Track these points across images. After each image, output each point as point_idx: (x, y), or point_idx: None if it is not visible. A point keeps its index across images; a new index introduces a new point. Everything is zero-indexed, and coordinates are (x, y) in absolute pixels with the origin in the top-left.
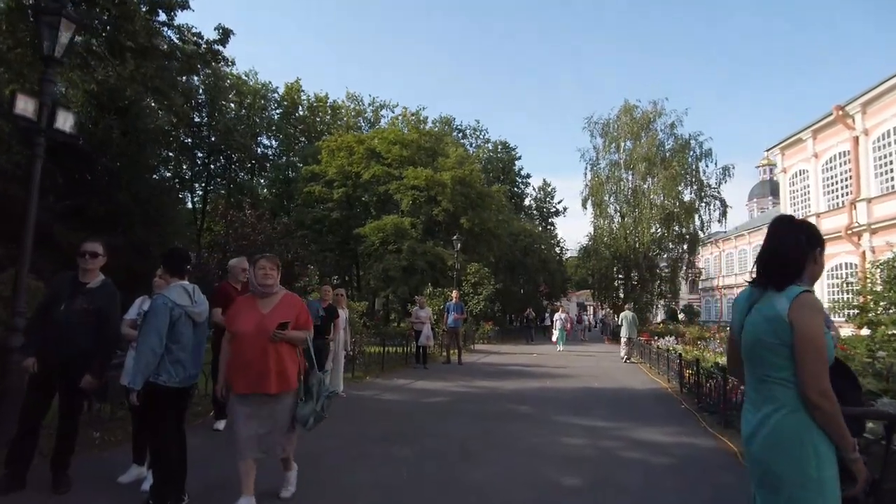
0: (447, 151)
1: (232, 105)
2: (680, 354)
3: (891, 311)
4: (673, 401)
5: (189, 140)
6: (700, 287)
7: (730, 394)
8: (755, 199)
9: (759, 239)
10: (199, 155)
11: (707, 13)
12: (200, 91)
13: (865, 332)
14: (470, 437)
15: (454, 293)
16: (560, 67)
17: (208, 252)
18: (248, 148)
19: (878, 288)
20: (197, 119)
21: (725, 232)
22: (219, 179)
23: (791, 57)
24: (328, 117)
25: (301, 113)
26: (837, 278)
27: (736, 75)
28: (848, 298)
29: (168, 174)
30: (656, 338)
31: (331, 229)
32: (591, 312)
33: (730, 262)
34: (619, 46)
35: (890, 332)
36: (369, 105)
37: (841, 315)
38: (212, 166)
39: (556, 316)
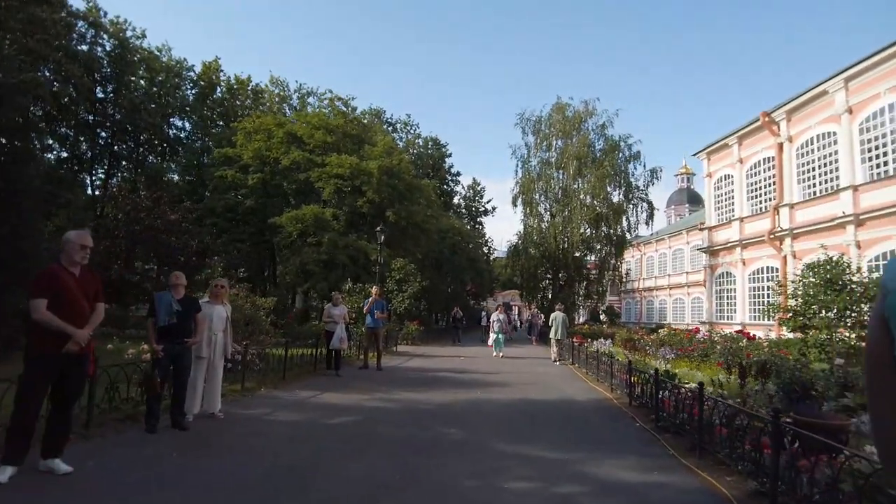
0: (375, 140)
1: (142, 82)
2: (630, 362)
3: (822, 314)
4: (623, 416)
5: (91, 117)
6: (621, 289)
7: (705, 414)
8: (673, 206)
9: (679, 243)
10: (103, 135)
11: (641, 21)
12: (105, 63)
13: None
14: (382, 485)
15: (375, 290)
16: (491, 68)
17: (96, 239)
18: (158, 128)
19: (810, 291)
20: (101, 94)
21: (652, 234)
22: (125, 162)
23: (715, 66)
24: (249, 101)
25: (219, 95)
26: (758, 281)
27: (661, 84)
28: (778, 302)
29: (65, 154)
30: (589, 340)
31: (244, 218)
32: (517, 312)
33: (650, 265)
34: (554, 55)
35: (823, 337)
36: (295, 91)
37: (772, 318)
38: (116, 147)
39: (494, 316)
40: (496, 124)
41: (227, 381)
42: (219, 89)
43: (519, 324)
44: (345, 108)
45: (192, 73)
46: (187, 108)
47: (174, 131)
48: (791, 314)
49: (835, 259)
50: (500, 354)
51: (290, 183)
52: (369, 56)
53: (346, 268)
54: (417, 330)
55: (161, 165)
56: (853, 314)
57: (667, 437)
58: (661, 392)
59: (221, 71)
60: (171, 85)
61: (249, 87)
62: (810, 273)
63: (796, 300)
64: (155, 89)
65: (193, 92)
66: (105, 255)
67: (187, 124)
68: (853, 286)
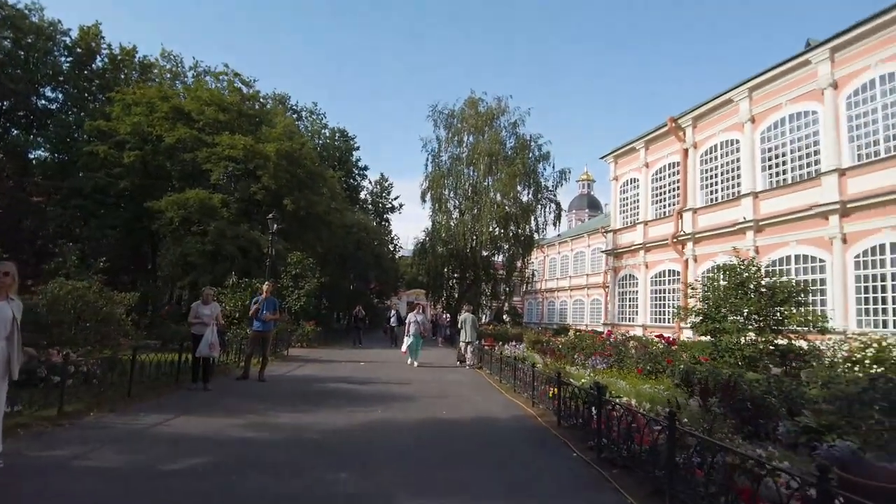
0: (274, 122)
1: (6, 43)
2: (559, 374)
3: (731, 317)
4: (554, 442)
5: None
6: (524, 290)
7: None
8: (574, 211)
9: (580, 246)
10: None
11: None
12: None
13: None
14: None
15: (266, 286)
16: (401, 65)
17: None
18: (23, 97)
19: (721, 294)
20: None
21: (556, 236)
22: None
23: (615, 77)
24: (135, 74)
25: (99, 65)
26: (660, 284)
27: (561, 93)
28: (693, 305)
29: None
30: (500, 343)
31: (119, 201)
32: (420, 311)
33: (552, 267)
34: (471, 60)
35: (734, 341)
36: (191, 69)
37: (683, 321)
38: None
39: (411, 317)
40: (405, 122)
41: (35, 404)
42: (99, 58)
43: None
44: (245, 88)
45: (67, 39)
46: (60, 78)
47: (44, 102)
48: (701, 317)
49: (745, 262)
50: (416, 363)
51: (174, 164)
52: (275, 45)
53: (234, 260)
54: (314, 331)
55: (26, 139)
56: (762, 318)
57: (617, 475)
58: (599, 411)
59: (102, 38)
60: (41, 49)
61: (136, 60)
62: (721, 275)
63: (706, 303)
64: (21, 53)
65: (69, 60)
66: None
67: (60, 95)
68: (763, 290)
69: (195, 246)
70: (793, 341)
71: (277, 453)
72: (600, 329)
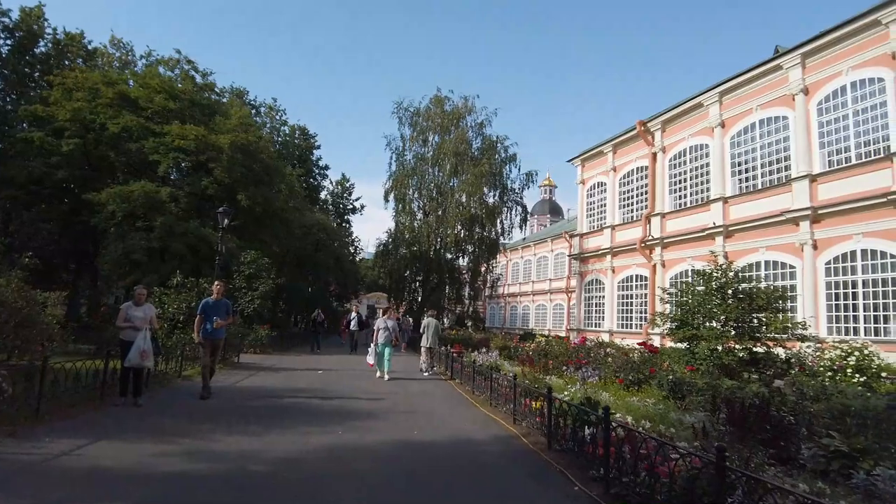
0: (229, 113)
1: None
2: (550, 390)
3: (709, 324)
4: (550, 472)
5: None
6: (488, 294)
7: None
8: (536, 216)
9: (543, 251)
10: None
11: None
12: None
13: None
14: None
15: (217, 286)
16: (362, 66)
17: None
18: None
19: (698, 299)
20: None
21: (521, 240)
22: None
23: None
24: (81, 61)
25: (43, 50)
26: (627, 289)
27: (526, 97)
28: (672, 311)
29: None
30: (469, 349)
31: (56, 193)
32: (391, 317)
33: (515, 271)
34: (434, 64)
35: (712, 348)
36: (142, 57)
37: (661, 328)
38: None
39: (381, 323)
40: (365, 124)
41: None
42: (42, 43)
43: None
44: (199, 77)
45: (6, 20)
46: None
47: None
48: (677, 323)
49: (722, 267)
50: (386, 376)
51: (119, 154)
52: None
53: (183, 259)
54: (268, 335)
55: None
56: (740, 325)
57: None
58: (606, 435)
59: (46, 20)
60: None
61: (84, 45)
62: (700, 280)
63: (681, 309)
64: None
65: (8, 42)
66: None
67: None
68: (741, 296)
69: (140, 243)
70: (771, 349)
71: (214, 494)
72: (562, 334)
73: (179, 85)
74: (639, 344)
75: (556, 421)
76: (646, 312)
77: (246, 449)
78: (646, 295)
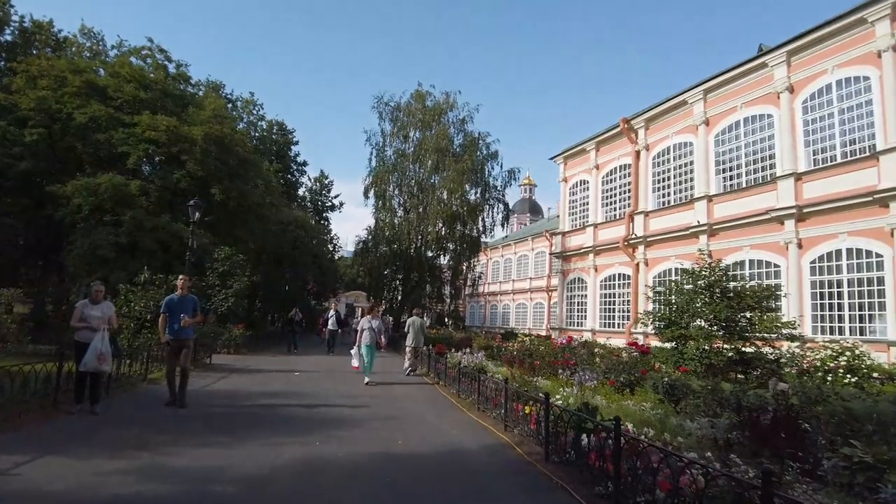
0: (204, 104)
1: None
2: (547, 396)
3: (694, 322)
4: (549, 488)
5: None
6: (469, 292)
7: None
8: (516, 215)
9: (524, 249)
10: None
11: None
12: None
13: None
14: None
15: (181, 281)
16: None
17: None
18: None
19: (685, 298)
20: None
21: (502, 238)
22: None
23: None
24: (49, 50)
25: (8, 38)
26: (610, 288)
27: (505, 92)
28: (659, 310)
29: None
30: (452, 349)
31: (19, 186)
32: (360, 314)
33: (496, 270)
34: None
35: (703, 348)
36: (113, 47)
37: (648, 326)
38: None
39: (365, 323)
40: (346, 121)
41: None
42: (8, 30)
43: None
44: (171, 67)
45: None
46: None
47: None
48: (665, 322)
49: (710, 265)
50: (367, 379)
51: (87, 146)
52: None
53: (153, 255)
54: (243, 335)
55: None
56: (729, 324)
57: None
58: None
59: (13, 6)
60: None
61: (53, 34)
62: (688, 279)
63: (667, 307)
64: None
65: None
66: None
67: None
68: (730, 294)
69: (107, 238)
70: (760, 348)
71: None
72: (543, 333)
73: (152, 75)
74: (628, 344)
75: (555, 429)
76: (629, 311)
77: (210, 465)
78: (629, 294)
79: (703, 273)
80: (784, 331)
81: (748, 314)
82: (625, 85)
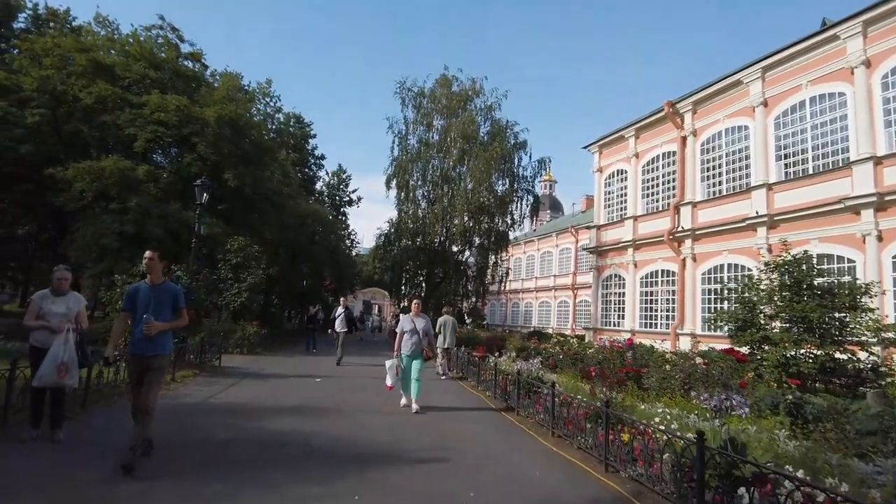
0: (217, 85)
1: None
2: (701, 435)
3: (777, 325)
4: None
5: None
6: (498, 289)
7: None
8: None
9: (547, 246)
10: None
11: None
12: None
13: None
14: None
15: (148, 259)
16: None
17: None
18: None
19: (775, 296)
20: None
21: (533, 231)
22: None
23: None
24: (66, 40)
25: (21, 25)
26: (651, 286)
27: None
28: (733, 309)
29: None
30: (497, 353)
31: (20, 170)
32: (377, 311)
33: (517, 267)
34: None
35: (790, 354)
36: (129, 35)
37: (720, 329)
38: None
39: (404, 324)
40: (365, 117)
41: None
42: (21, 17)
43: (379, 326)
44: (183, 45)
45: None
46: None
47: None
48: (740, 324)
49: (797, 256)
50: (414, 405)
51: (93, 129)
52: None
53: (162, 244)
54: (257, 333)
55: None
56: (821, 326)
57: None
58: None
59: None
60: None
61: (68, 23)
62: (776, 273)
63: (745, 307)
64: None
65: None
66: None
67: None
68: (818, 292)
69: (111, 226)
70: (855, 354)
71: None
72: (567, 332)
73: (163, 54)
74: (723, 351)
75: (711, 489)
76: (674, 311)
77: None
78: (673, 291)
79: (785, 266)
80: (890, 334)
81: (841, 314)
82: (642, 81)
